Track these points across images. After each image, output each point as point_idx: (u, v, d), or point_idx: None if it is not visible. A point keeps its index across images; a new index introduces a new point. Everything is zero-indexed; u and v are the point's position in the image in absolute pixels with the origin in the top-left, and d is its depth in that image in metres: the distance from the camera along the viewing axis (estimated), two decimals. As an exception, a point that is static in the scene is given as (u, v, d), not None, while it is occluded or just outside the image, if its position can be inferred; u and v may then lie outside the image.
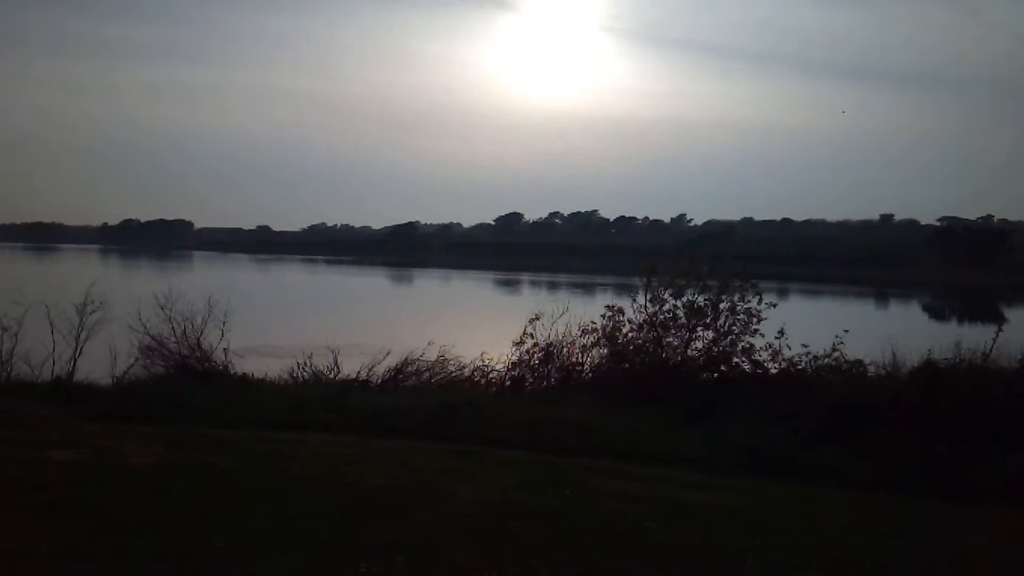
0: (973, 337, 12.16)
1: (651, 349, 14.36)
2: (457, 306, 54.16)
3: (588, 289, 64.51)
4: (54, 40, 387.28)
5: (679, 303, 14.44)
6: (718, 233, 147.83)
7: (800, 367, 12.92)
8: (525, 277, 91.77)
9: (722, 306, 14.22)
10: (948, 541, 7.21)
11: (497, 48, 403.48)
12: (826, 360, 12.71)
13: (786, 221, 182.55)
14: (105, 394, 12.87)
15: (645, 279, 14.72)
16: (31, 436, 9.60)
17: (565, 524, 6.90)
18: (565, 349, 14.93)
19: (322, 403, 12.29)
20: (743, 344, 13.91)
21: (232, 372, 14.45)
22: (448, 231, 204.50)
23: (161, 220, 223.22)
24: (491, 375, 14.96)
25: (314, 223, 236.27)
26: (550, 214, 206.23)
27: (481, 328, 30.98)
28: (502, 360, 15.09)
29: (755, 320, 14.08)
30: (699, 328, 14.29)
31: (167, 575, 5.27)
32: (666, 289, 14.55)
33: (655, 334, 14.43)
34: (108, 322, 14.44)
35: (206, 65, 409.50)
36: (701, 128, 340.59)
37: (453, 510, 7.14)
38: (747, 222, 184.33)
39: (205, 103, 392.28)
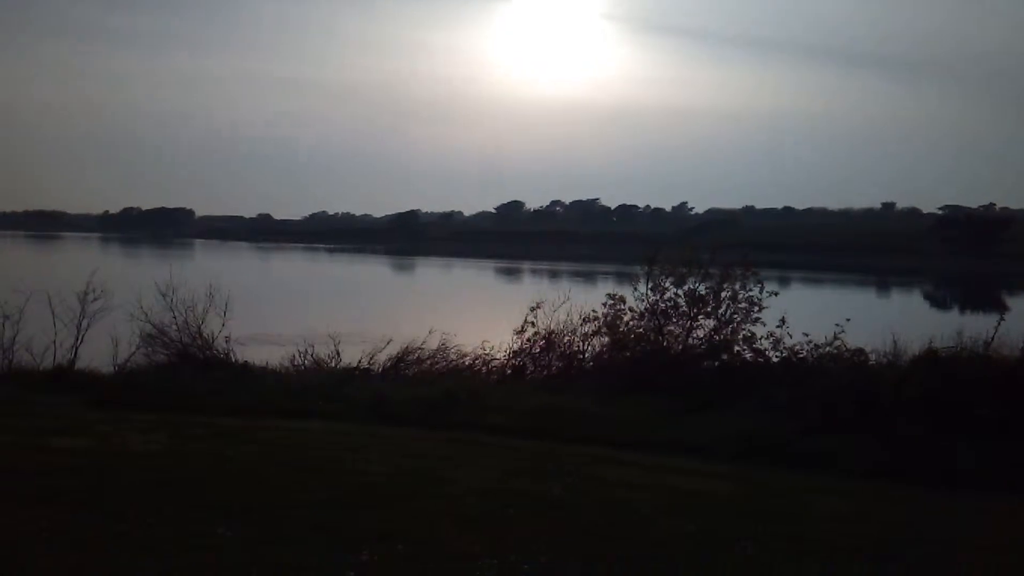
0: (975, 326, 12.14)
1: (652, 338, 14.36)
2: (458, 294, 54.13)
3: (589, 278, 64.46)
4: (56, 27, 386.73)
5: (680, 292, 14.44)
6: (720, 221, 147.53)
7: (801, 356, 12.90)
8: (526, 265, 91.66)
9: (723, 295, 14.22)
10: (949, 530, 7.21)
11: (498, 36, 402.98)
12: (827, 349, 12.68)
13: (788, 209, 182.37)
14: (107, 382, 12.90)
15: (646, 267, 14.71)
16: (32, 424, 9.62)
17: (566, 512, 6.91)
18: (566, 337, 14.94)
19: (323, 391, 12.30)
20: (744, 333, 13.91)
21: (233, 360, 14.47)
22: (449, 219, 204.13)
23: (162, 208, 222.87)
24: (492, 363, 14.97)
25: (315, 211, 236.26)
26: (551, 202, 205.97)
27: (482, 316, 31.00)
28: (503, 348, 15.12)
29: (756, 309, 14.08)
30: (700, 317, 14.29)
31: (171, 562, 5.27)
32: (667, 278, 14.54)
33: (656, 323, 14.43)
34: (109, 310, 14.47)
35: (207, 53, 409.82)
36: (703, 116, 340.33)
37: (454, 498, 7.15)
38: (749, 210, 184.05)
39: (206, 91, 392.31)
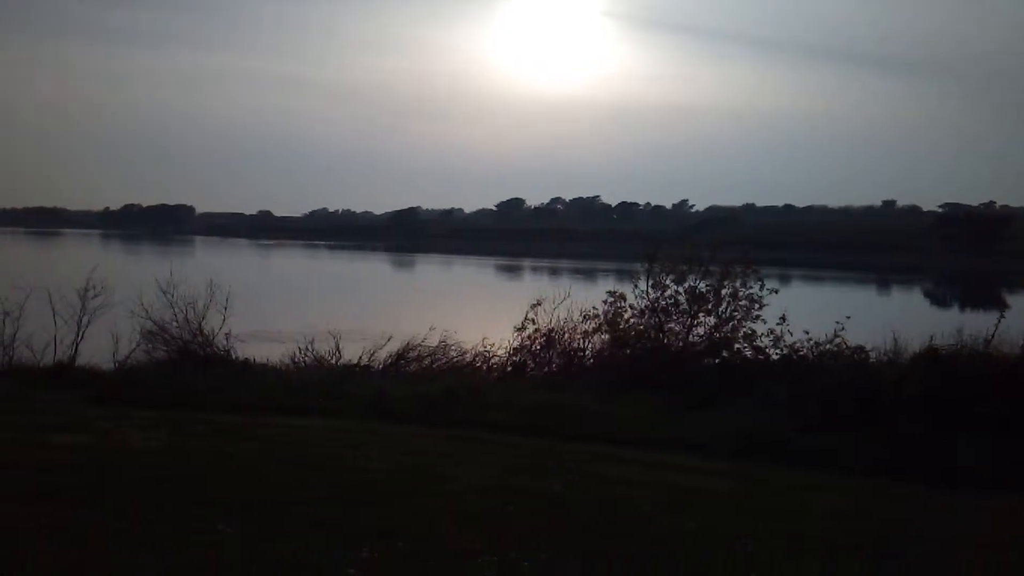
0: (975, 324, 12.14)
1: (653, 335, 14.36)
2: (459, 292, 54.12)
3: (590, 275, 64.45)
4: (56, 25, 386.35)
5: (681, 289, 14.44)
6: (720, 219, 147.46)
7: (802, 353, 12.91)
8: (526, 263, 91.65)
9: (724, 292, 14.22)
10: (949, 527, 7.20)
11: (498, 33, 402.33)
12: (828, 346, 12.69)
13: (788, 207, 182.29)
14: (107, 379, 12.90)
15: (647, 265, 14.71)
16: (33, 420, 9.62)
17: (566, 509, 6.91)
18: (567, 335, 14.94)
19: (324, 388, 12.30)
20: (745, 330, 13.91)
21: (234, 357, 14.48)
22: (449, 216, 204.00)
23: (162, 205, 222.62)
24: (493, 360, 14.98)
25: (315, 208, 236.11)
26: (552, 199, 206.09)
27: (482, 314, 30.99)
28: (504, 345, 15.12)
29: (757, 306, 14.08)
30: (701, 314, 14.29)
31: (171, 559, 5.26)
32: (668, 275, 14.55)
33: (657, 320, 14.43)
34: (110, 307, 14.47)
35: (208, 51, 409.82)
36: (703, 113, 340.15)
37: (455, 495, 7.15)
38: (749, 208, 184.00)
39: (207, 88, 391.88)
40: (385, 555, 5.48)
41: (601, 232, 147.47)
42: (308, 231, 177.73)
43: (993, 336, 11.45)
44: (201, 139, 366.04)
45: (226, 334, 14.73)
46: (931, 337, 11.53)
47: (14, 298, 14.05)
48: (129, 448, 8.47)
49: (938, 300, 58.71)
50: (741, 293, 14.18)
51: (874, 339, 12.51)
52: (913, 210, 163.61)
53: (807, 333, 13.08)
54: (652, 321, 14.48)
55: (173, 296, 14.63)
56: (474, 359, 14.92)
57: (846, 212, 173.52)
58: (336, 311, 27.39)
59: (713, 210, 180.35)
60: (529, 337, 14.96)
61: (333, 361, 14.56)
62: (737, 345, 13.80)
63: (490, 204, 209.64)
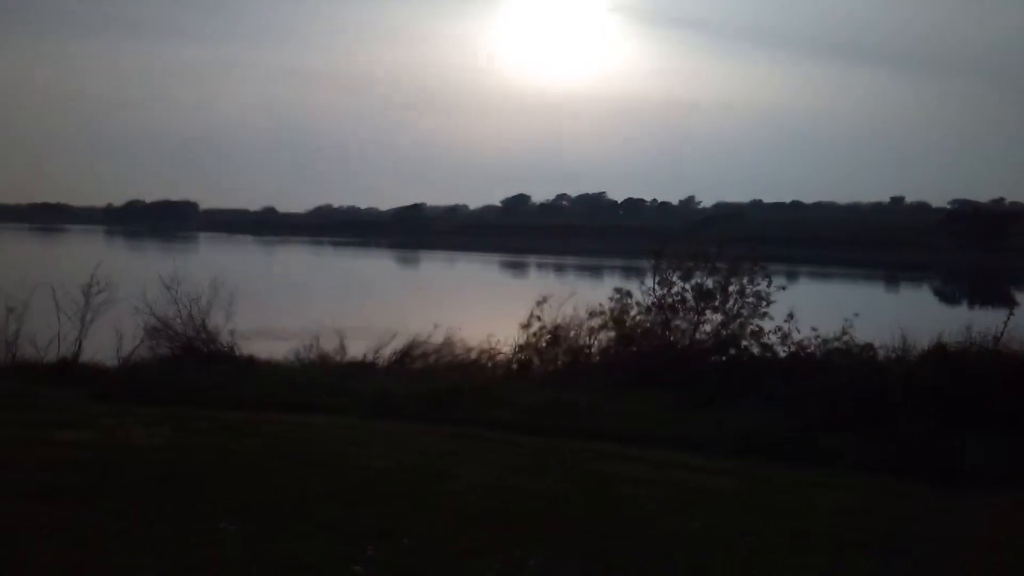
0: (984, 321, 12.05)
1: (659, 332, 14.29)
2: (464, 289, 54.09)
3: (596, 272, 64.39)
4: (58, 19, 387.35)
5: (688, 286, 14.37)
6: (727, 215, 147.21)
7: (809, 351, 12.84)
8: (532, 259, 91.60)
9: (731, 289, 14.14)
10: (956, 525, 7.14)
11: (504, 28, 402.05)
12: (835, 344, 12.62)
13: (796, 203, 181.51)
14: (111, 375, 12.89)
15: (653, 262, 14.64)
16: (36, 417, 9.60)
17: (571, 508, 6.86)
18: (572, 332, 14.86)
19: (328, 386, 12.27)
20: (752, 327, 13.84)
21: (238, 354, 14.47)
22: (455, 213, 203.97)
23: (166, 201, 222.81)
24: (498, 358, 14.93)
25: (320, 204, 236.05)
26: (557, 196, 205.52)
27: (488, 311, 30.95)
28: (509, 343, 15.05)
29: (764, 303, 14.00)
30: (708, 311, 14.22)
31: (172, 559, 5.22)
32: (674, 272, 14.48)
33: (663, 317, 14.36)
34: (114, 303, 14.45)
35: (212, 44, 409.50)
36: (710, 109, 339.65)
37: (459, 493, 7.10)
38: (757, 204, 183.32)
39: (211, 82, 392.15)
40: (390, 553, 5.43)
41: (607, 228, 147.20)
42: (312, 227, 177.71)
43: (1002, 333, 11.37)
44: (205, 134, 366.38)
45: (230, 331, 14.73)
46: (940, 334, 11.45)
47: (18, 294, 14.03)
48: (132, 445, 8.44)
49: (947, 297, 58.51)
50: (748, 290, 14.11)
51: (882, 336, 12.42)
52: (922, 206, 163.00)
53: (815, 330, 13.00)
54: (659, 318, 14.41)
55: (177, 293, 14.63)
56: (479, 357, 14.87)
57: (854, 208, 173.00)
58: (340, 308, 27.38)
59: (720, 206, 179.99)
60: (535, 334, 14.90)
61: (338, 358, 14.54)
62: (744, 342, 13.74)
63: (495, 200, 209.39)
